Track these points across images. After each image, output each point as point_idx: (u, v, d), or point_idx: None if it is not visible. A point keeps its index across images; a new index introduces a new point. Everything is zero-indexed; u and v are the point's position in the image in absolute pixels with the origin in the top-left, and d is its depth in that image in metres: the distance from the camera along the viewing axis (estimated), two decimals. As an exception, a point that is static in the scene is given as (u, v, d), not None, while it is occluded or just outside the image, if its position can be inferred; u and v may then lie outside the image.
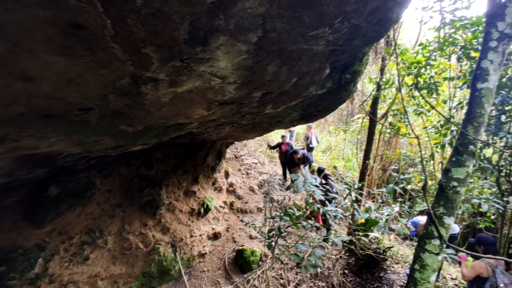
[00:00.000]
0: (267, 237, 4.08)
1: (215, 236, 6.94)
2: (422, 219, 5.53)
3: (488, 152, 6.20)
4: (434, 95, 6.27)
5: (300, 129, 14.64)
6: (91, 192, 4.68)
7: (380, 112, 8.55)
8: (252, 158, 10.60)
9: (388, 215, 4.19)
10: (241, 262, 6.30)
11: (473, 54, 5.38)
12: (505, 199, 5.08)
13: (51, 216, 4.28)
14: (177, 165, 6.08)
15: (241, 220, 7.55)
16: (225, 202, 7.75)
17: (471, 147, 2.72)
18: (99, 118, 2.61)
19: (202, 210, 6.57)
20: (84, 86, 2.07)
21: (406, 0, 2.39)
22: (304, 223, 3.86)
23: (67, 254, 4.44)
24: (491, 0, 2.74)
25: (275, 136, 13.09)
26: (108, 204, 4.98)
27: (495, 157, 5.61)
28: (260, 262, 6.42)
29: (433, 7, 5.89)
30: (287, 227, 4.27)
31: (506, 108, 5.00)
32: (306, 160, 8.78)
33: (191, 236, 6.19)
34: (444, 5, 5.54)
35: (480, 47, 2.87)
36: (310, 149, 11.46)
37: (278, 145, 9.74)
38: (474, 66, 3.11)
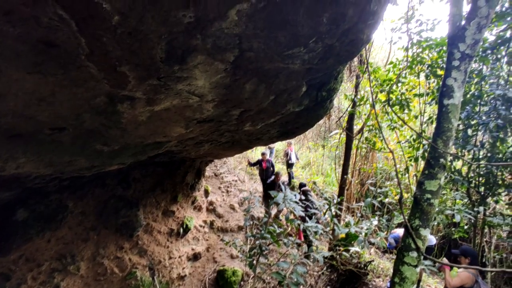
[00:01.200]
0: (248, 256, 4.01)
1: (195, 257, 6.73)
2: (402, 232, 5.64)
3: (458, 164, 6.48)
4: (406, 111, 6.54)
5: (280, 146, 14.75)
6: (62, 215, 4.46)
7: (356, 127, 8.80)
8: (232, 176, 10.52)
9: (367, 229, 4.24)
10: (222, 283, 6.11)
11: (439, 72, 5.71)
12: (475, 209, 5.29)
13: (19, 242, 4.02)
14: (156, 184, 5.93)
15: (222, 239, 7.39)
16: (205, 221, 7.58)
17: (442, 160, 2.83)
18: (72, 137, 2.52)
19: (181, 230, 6.39)
20: (56, 105, 2.01)
21: (375, 22, 2.53)
22: (285, 240, 3.83)
23: (35, 283, 4.15)
24: (452, 23, 2.94)
25: (256, 153, 13.11)
26: (81, 227, 4.74)
27: (464, 169, 5.87)
28: (242, 282, 6.26)
29: (401, 28, 6.27)
30: (268, 245, 4.22)
31: (472, 122, 5.29)
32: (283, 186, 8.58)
33: (170, 258, 5.98)
34: (411, 27, 5.90)
35: (445, 66, 3.05)
36: (289, 165, 11.53)
37: (259, 162, 9.70)
38: (441, 83, 3.29)
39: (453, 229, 7.47)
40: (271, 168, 9.37)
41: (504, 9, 4.77)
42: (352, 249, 5.91)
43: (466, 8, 3.43)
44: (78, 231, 4.70)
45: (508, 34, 4.84)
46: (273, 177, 8.82)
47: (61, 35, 1.49)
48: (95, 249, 4.85)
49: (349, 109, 7.53)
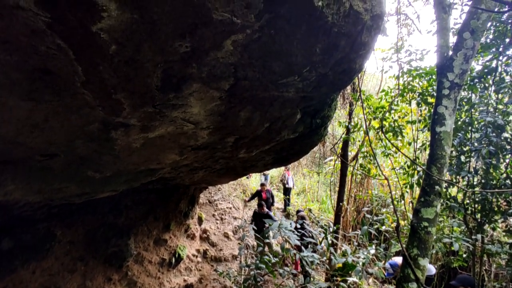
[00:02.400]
0: (242, 287, 3.86)
1: (187, 289, 6.46)
2: (400, 260, 5.51)
3: (453, 191, 6.48)
4: (399, 138, 6.63)
5: (275, 172, 14.71)
6: (50, 245, 4.29)
7: (350, 154, 8.84)
8: (227, 203, 10.34)
9: (364, 258, 4.14)
10: (215, 317, 5.83)
11: (430, 100, 5.85)
12: (473, 237, 5.22)
13: (2, 273, 3.83)
14: (148, 211, 5.79)
15: (215, 270, 7.13)
16: (198, 250, 7.35)
17: (437, 187, 2.83)
18: (64, 164, 2.48)
19: (173, 260, 6.16)
20: (49, 132, 1.99)
21: (367, 52, 2.61)
22: (281, 271, 3.71)
23: (16, 318, 3.91)
24: (440, 54, 3.06)
25: (251, 180, 13.02)
26: (68, 257, 4.55)
27: (460, 196, 5.86)
28: (236, 316, 5.97)
29: (391, 58, 6.49)
30: (263, 275, 4.07)
31: (464, 149, 5.35)
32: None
33: (161, 290, 5.72)
34: (400, 57, 6.13)
35: (435, 94, 3.13)
36: (286, 190, 11.41)
37: (258, 194, 9.18)
38: (432, 111, 3.36)
39: (452, 257, 7.33)
40: (271, 199, 8.99)
41: (488, 40, 4.99)
42: (350, 279, 5.73)
43: (452, 39, 3.58)
44: (65, 261, 4.50)
45: (494, 64, 5.03)
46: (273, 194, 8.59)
47: (58, 63, 1.51)
48: (81, 281, 4.63)
49: (343, 136, 7.61)
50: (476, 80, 5.21)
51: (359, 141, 9.04)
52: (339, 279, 5.81)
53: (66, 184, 2.91)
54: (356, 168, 8.85)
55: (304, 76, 2.38)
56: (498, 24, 4.92)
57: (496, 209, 5.13)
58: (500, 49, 4.90)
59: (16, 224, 3.96)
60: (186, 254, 6.60)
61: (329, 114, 3.96)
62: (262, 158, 4.43)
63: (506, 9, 4.44)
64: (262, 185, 9.31)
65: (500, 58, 4.99)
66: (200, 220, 8.08)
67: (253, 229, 5.97)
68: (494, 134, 4.81)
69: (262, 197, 8.95)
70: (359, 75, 6.31)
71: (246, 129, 3.03)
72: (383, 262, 5.12)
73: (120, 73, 1.69)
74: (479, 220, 5.34)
